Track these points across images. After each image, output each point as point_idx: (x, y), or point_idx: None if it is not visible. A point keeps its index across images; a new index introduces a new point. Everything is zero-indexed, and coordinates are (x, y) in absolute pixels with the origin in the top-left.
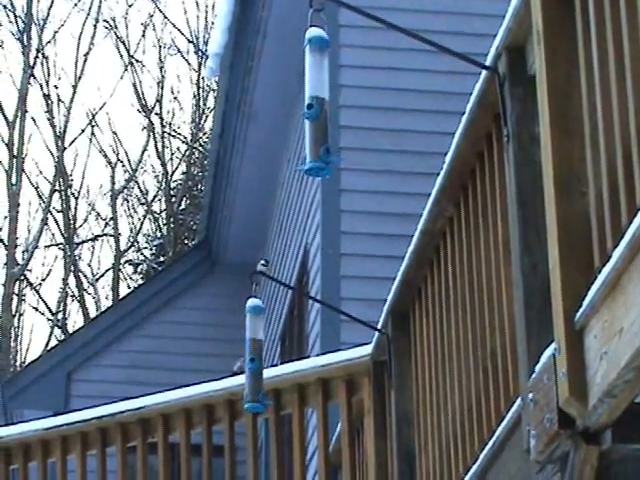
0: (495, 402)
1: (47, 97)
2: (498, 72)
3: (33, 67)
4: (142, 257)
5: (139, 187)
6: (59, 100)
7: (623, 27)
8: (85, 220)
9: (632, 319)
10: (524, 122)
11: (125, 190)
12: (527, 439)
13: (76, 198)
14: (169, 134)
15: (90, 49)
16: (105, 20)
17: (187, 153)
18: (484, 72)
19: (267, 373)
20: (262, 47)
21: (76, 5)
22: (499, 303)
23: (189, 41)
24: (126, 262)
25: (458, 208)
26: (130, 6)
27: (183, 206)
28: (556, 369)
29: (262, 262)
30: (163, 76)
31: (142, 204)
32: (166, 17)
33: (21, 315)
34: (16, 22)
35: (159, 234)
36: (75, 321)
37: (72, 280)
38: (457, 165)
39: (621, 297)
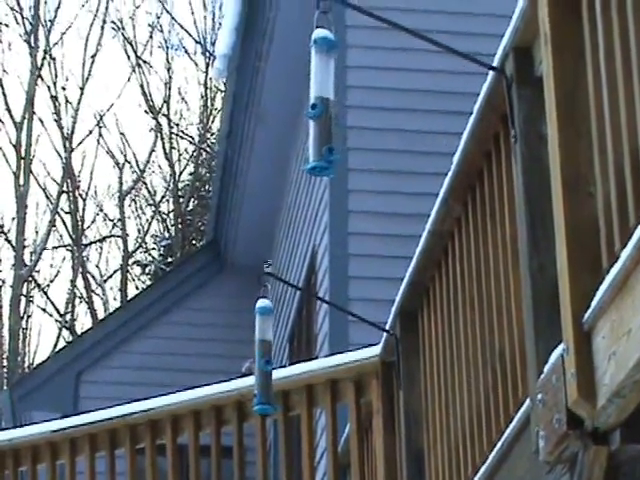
0: (504, 403)
1: (54, 98)
2: (505, 73)
3: (40, 69)
4: (150, 258)
5: (147, 188)
6: (67, 101)
7: (630, 27)
8: (93, 221)
9: None
10: (531, 123)
11: (133, 191)
12: (536, 440)
13: (84, 199)
14: (177, 135)
15: (97, 50)
16: (112, 21)
17: (195, 154)
18: (491, 73)
19: (276, 374)
20: (270, 48)
21: (83, 7)
22: (507, 304)
23: (196, 42)
24: (134, 263)
25: (466, 208)
26: (137, 7)
27: (191, 207)
28: (565, 370)
29: (266, 264)
30: (170, 77)
31: (150, 205)
32: (173, 18)
33: (29, 317)
34: (23, 24)
35: (167, 235)
36: (83, 323)
37: (80, 281)
38: (465, 165)
39: (629, 298)
